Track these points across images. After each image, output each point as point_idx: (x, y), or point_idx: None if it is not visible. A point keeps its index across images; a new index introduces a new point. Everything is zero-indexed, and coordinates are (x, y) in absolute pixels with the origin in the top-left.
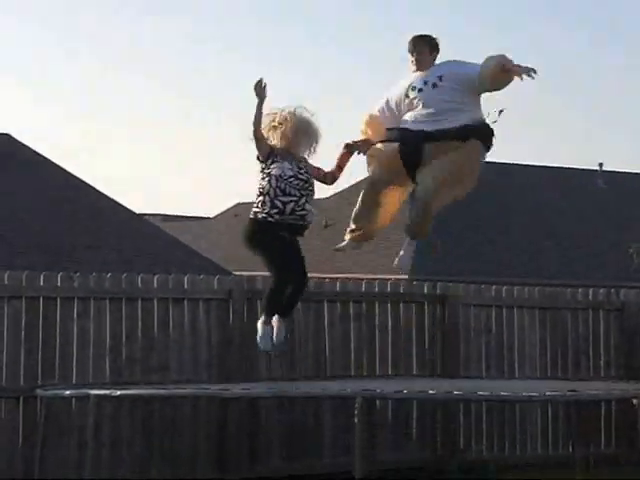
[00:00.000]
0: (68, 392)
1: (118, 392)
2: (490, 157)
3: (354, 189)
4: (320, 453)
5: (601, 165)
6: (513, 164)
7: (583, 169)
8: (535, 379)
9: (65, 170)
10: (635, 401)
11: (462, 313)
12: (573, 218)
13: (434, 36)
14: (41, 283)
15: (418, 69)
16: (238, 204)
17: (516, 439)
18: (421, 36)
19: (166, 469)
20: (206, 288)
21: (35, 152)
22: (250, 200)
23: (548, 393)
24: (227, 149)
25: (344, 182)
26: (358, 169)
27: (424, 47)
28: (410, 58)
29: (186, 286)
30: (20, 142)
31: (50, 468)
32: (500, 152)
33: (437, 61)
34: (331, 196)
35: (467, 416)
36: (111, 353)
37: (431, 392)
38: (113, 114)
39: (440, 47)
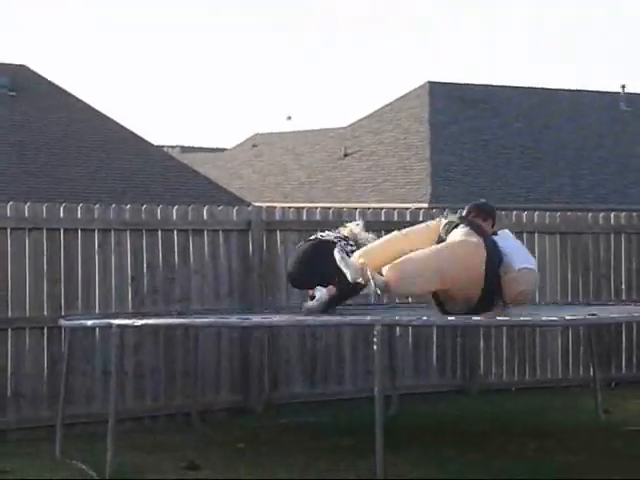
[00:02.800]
0: (91, 322)
1: (140, 322)
2: (512, 81)
3: (372, 117)
4: (341, 380)
5: (624, 87)
6: (534, 88)
7: (606, 92)
8: (556, 304)
9: (84, 102)
10: None
11: None
12: (596, 141)
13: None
14: (61, 215)
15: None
16: (256, 134)
17: (536, 363)
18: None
19: (189, 396)
20: (225, 219)
21: (53, 83)
22: (268, 130)
23: (568, 317)
24: (246, 79)
25: (361, 111)
26: (373, 99)
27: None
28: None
29: (205, 217)
30: (37, 73)
31: (75, 397)
32: (519, 76)
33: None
34: (349, 125)
35: (487, 341)
36: (133, 284)
37: (450, 318)
38: (133, 45)
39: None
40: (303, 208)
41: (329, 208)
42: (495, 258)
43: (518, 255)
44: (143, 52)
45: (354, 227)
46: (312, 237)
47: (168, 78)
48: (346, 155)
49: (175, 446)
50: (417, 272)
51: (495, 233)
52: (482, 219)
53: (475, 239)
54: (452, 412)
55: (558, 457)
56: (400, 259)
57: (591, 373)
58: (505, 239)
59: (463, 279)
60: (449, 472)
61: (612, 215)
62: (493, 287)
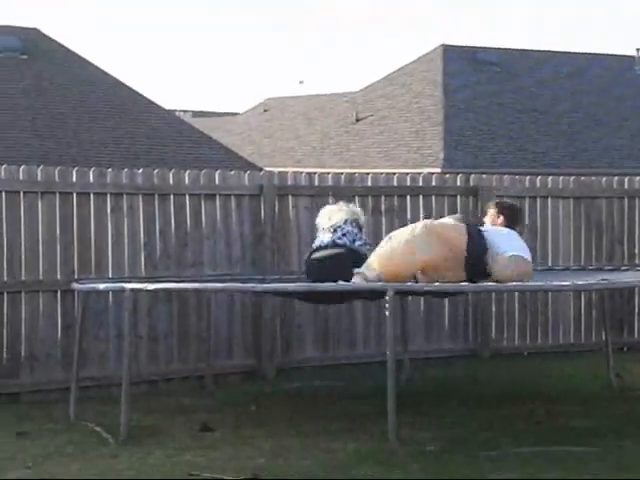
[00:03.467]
0: (104, 286)
1: (153, 286)
2: (527, 44)
3: (384, 81)
4: (353, 344)
5: (639, 50)
6: (549, 51)
7: (621, 55)
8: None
9: (96, 66)
10: None
11: None
12: (611, 105)
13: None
14: (74, 179)
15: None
16: (268, 99)
17: (548, 327)
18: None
19: (203, 360)
20: (237, 184)
21: (65, 47)
22: (280, 94)
23: (580, 282)
24: (256, 43)
25: (373, 75)
26: (386, 61)
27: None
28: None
29: (217, 182)
30: (49, 36)
31: (89, 360)
32: (536, 39)
33: None
34: (361, 90)
35: (499, 305)
36: (145, 248)
37: (462, 284)
38: (145, 9)
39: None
40: (315, 173)
41: (341, 173)
42: (478, 244)
43: (510, 244)
44: (154, 18)
45: (357, 210)
46: (329, 231)
47: (180, 42)
48: (358, 120)
49: (188, 409)
50: (401, 258)
51: (512, 227)
52: (497, 214)
53: (458, 223)
54: (464, 377)
55: (570, 421)
56: (385, 252)
57: (603, 337)
58: (500, 232)
59: (442, 259)
60: (461, 436)
61: (626, 179)
62: (476, 271)
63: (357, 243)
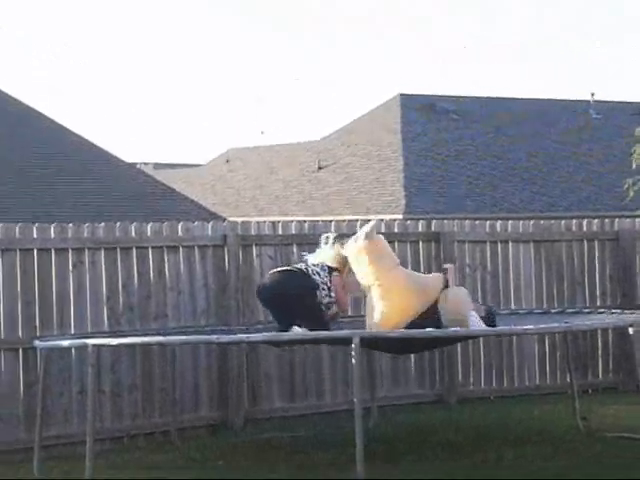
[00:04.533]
0: (66, 343)
1: (116, 340)
2: (484, 91)
3: (347, 130)
4: (320, 393)
5: (593, 95)
6: (506, 98)
7: (575, 100)
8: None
9: (54, 121)
10: (631, 330)
11: (457, 250)
12: (568, 149)
13: None
14: (34, 235)
15: None
16: (230, 149)
17: (514, 371)
18: None
19: (168, 414)
20: (200, 235)
21: (22, 102)
22: (242, 145)
23: (542, 325)
24: (218, 94)
25: (337, 123)
26: (349, 111)
27: None
28: None
29: (180, 233)
30: (5, 92)
31: (52, 418)
32: (492, 85)
33: None
34: (322, 138)
35: (464, 350)
36: (108, 302)
37: (428, 330)
38: (104, 60)
39: None
40: (278, 222)
41: (304, 221)
42: None
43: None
44: (112, 72)
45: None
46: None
47: (139, 95)
48: (320, 168)
49: (155, 465)
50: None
51: None
52: None
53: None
54: (431, 422)
55: (538, 464)
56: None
57: (568, 380)
58: None
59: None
60: None
61: (585, 222)
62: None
63: (316, 276)
